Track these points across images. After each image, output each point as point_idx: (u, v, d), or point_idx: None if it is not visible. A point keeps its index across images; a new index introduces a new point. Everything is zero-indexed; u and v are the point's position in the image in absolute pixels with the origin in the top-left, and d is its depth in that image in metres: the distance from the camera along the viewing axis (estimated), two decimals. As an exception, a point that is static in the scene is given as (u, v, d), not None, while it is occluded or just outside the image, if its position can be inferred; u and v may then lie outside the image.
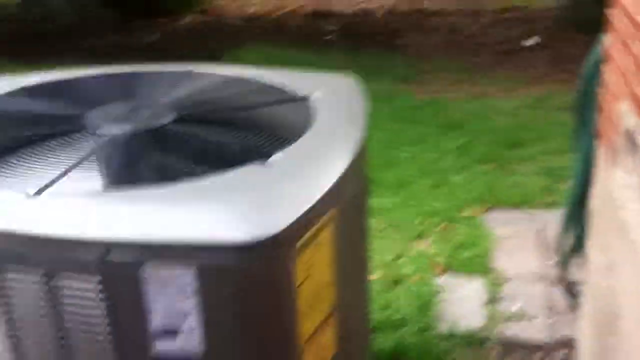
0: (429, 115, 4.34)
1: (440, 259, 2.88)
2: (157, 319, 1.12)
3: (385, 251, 2.95)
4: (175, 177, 1.21)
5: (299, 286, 1.16)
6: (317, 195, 1.18)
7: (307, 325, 1.21)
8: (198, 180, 1.20)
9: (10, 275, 1.14)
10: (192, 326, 1.12)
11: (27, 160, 1.31)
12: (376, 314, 2.48)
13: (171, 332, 1.13)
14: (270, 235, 1.08)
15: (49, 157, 1.31)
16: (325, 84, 1.63)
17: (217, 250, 1.08)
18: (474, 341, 2.42)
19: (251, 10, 6.99)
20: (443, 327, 2.47)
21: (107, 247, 1.09)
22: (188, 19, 6.76)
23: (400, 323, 2.47)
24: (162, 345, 1.14)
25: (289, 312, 1.16)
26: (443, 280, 2.75)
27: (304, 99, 1.54)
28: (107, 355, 1.15)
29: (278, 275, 1.13)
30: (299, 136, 1.36)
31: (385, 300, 2.60)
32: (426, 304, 2.57)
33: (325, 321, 1.27)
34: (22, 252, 1.12)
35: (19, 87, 1.64)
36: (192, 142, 1.38)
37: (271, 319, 1.15)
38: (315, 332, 1.24)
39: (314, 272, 1.20)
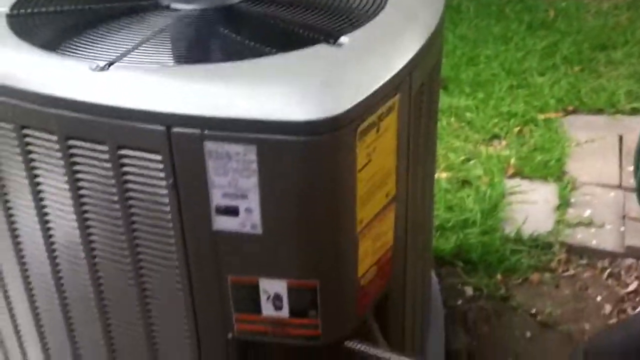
0: (517, 13, 4.15)
1: (513, 162, 2.82)
2: (218, 196, 1.14)
3: (456, 151, 2.92)
4: (243, 55, 1.20)
5: (359, 171, 1.16)
6: (383, 79, 1.15)
7: (364, 212, 1.21)
8: (264, 59, 1.18)
9: (76, 147, 1.18)
10: (251, 205, 1.14)
11: (99, 35, 1.31)
12: (441, 214, 2.49)
13: (232, 210, 1.15)
14: (332, 116, 1.07)
15: (120, 32, 1.32)
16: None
17: (278, 128, 1.07)
18: (539, 245, 2.40)
19: None
20: (509, 230, 2.45)
21: (171, 121, 1.10)
22: None
23: (465, 224, 2.46)
24: (222, 222, 1.16)
25: (347, 196, 1.16)
26: (514, 183, 2.71)
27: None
28: (170, 228, 1.19)
29: (338, 157, 1.12)
30: (371, 19, 1.32)
31: (452, 201, 2.59)
32: (494, 206, 2.55)
33: (384, 210, 1.27)
34: (88, 123, 1.14)
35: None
36: (262, 21, 1.36)
37: (329, 203, 1.15)
38: (373, 220, 1.24)
39: (376, 158, 1.19)
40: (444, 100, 3.29)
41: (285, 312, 1.23)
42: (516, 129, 3.04)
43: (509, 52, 3.68)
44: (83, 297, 1.36)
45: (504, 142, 2.98)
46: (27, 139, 1.23)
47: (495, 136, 3.03)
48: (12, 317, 1.58)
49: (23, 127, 1.22)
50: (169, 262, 1.23)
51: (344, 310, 1.26)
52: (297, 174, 1.11)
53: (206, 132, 1.10)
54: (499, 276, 2.28)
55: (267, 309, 1.23)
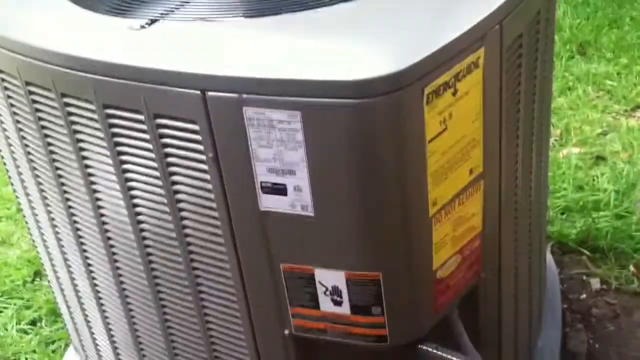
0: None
1: (657, 136, 2.47)
2: (263, 171, 0.98)
3: (592, 124, 2.60)
4: (285, 8, 1.04)
5: (429, 141, 0.95)
6: (460, 30, 0.94)
7: (439, 192, 1.00)
8: (312, 11, 1.01)
9: (115, 117, 1.05)
10: (300, 183, 0.97)
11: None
12: (569, 194, 2.20)
13: (279, 188, 0.99)
14: (389, 74, 0.87)
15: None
16: None
17: (327, 89, 0.89)
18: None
19: None
20: (647, 215, 2.13)
21: (208, 83, 0.95)
22: None
23: (596, 206, 2.16)
24: (269, 202, 1.00)
25: (414, 172, 0.96)
26: (656, 160, 2.36)
27: None
28: (215, 209, 1.05)
29: (399, 124, 0.92)
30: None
31: (583, 180, 2.29)
32: (631, 186, 2.22)
33: (467, 190, 1.06)
34: (122, 88, 1.01)
35: None
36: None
37: (392, 180, 0.96)
38: (452, 202, 1.03)
39: (453, 126, 0.98)
40: (580, 67, 2.96)
41: (345, 308, 1.05)
42: (663, 99, 2.66)
43: (659, 12, 3.26)
44: (138, 283, 1.26)
45: (648, 114, 2.62)
46: (69, 109, 1.12)
47: (638, 107, 2.66)
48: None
49: (63, 96, 1.12)
50: (216, 247, 1.09)
51: (416, 307, 1.07)
52: (350, 145, 0.92)
53: (244, 96, 0.93)
54: (632, 267, 1.97)
55: (326, 304, 1.06)
